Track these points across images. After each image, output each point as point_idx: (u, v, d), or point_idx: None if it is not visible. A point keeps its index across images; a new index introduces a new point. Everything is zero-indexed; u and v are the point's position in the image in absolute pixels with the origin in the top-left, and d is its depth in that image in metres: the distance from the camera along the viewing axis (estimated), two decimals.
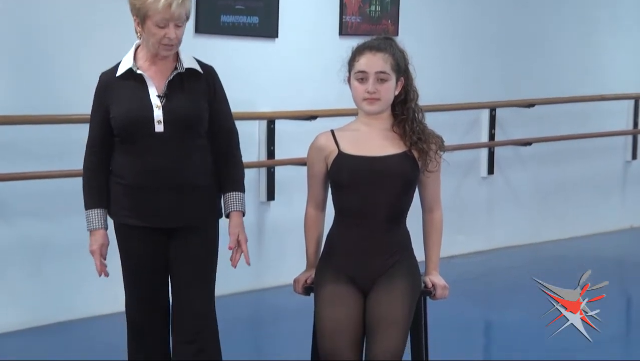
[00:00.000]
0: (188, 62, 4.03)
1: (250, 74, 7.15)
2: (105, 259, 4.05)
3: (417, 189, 3.97)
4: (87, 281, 6.40)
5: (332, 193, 3.95)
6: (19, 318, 6.38)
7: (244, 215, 4.12)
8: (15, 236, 6.34)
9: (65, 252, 6.43)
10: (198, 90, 4.01)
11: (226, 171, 4.08)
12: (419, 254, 3.97)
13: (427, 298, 4.05)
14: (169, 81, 3.99)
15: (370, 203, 3.83)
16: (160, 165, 3.93)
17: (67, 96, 6.35)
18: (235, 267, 4.11)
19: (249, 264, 4.11)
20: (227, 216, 4.10)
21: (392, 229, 3.88)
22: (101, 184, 4.02)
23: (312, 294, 3.95)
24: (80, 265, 6.36)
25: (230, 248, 4.08)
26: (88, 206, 4.03)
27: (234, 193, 4.08)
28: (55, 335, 6.35)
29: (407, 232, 3.95)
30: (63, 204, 6.36)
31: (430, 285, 4.00)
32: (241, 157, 4.16)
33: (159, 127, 3.92)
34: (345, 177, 3.85)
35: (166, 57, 3.98)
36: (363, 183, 3.83)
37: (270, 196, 7.52)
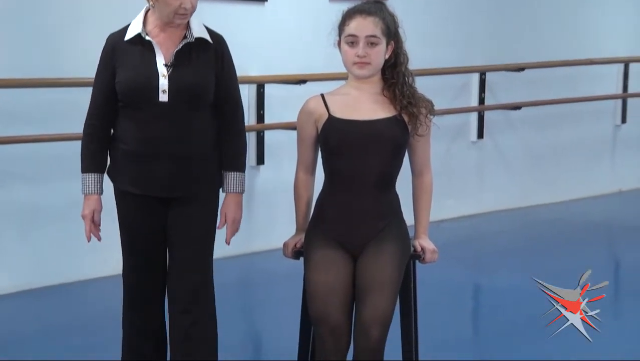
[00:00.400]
0: (198, 30, 3.98)
1: (240, 38, 7.12)
2: (99, 224, 4.04)
3: (406, 154, 3.98)
4: (78, 244, 6.40)
5: (322, 157, 3.95)
6: (10, 281, 6.39)
7: (242, 194, 4.12)
8: (7, 199, 6.34)
9: (57, 216, 6.44)
10: (206, 61, 3.98)
11: (228, 148, 4.05)
12: (409, 218, 3.98)
13: (417, 261, 4.06)
14: (177, 51, 3.95)
15: (360, 167, 3.84)
16: (162, 134, 3.91)
17: (63, 60, 6.34)
18: (228, 244, 4.10)
19: (228, 244, 4.11)
20: (224, 192, 4.09)
21: (382, 194, 3.89)
22: (100, 148, 4.00)
23: (301, 259, 3.96)
24: (71, 229, 6.37)
25: (218, 228, 4.08)
26: (84, 169, 4.01)
27: (234, 173, 4.06)
28: (47, 298, 6.37)
29: (397, 196, 3.96)
30: (55, 167, 6.36)
31: (419, 249, 4.01)
32: (244, 131, 4.14)
33: (164, 97, 3.89)
34: (335, 141, 3.86)
35: (179, 25, 3.95)
36: (353, 146, 3.83)
37: (260, 160, 7.52)
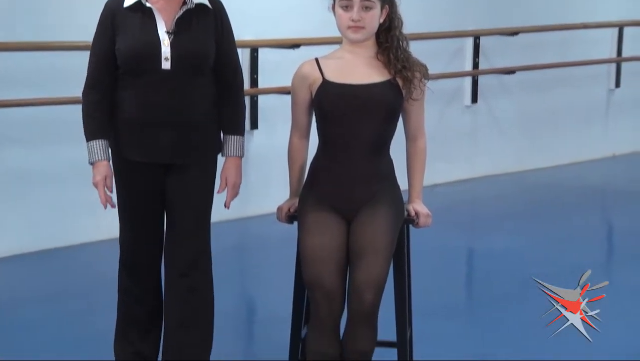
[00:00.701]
0: None
1: (234, 2, 7.08)
2: (111, 190, 4.02)
3: (401, 118, 3.97)
4: (72, 208, 6.43)
5: (316, 122, 3.94)
6: (4, 245, 6.40)
7: (242, 158, 4.11)
8: (1, 163, 6.33)
9: (51, 179, 6.43)
10: (206, 27, 3.95)
11: (228, 112, 4.04)
12: (403, 183, 3.98)
13: (410, 226, 4.07)
14: (178, 17, 3.92)
15: (354, 131, 3.83)
16: (163, 101, 3.89)
17: (53, 23, 6.30)
18: (228, 208, 4.10)
19: (226, 207, 4.11)
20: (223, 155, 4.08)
21: (376, 158, 3.88)
22: (102, 115, 3.95)
23: (295, 223, 3.97)
24: (65, 193, 6.38)
25: (218, 192, 4.07)
26: (90, 137, 3.96)
27: (234, 136, 4.06)
28: (41, 262, 6.38)
29: (391, 161, 3.96)
30: (49, 131, 6.34)
31: (413, 213, 4.01)
32: (244, 97, 4.12)
33: (166, 64, 3.87)
34: (329, 105, 3.85)
35: None
36: (347, 110, 3.82)
37: (254, 124, 7.51)
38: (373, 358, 3.82)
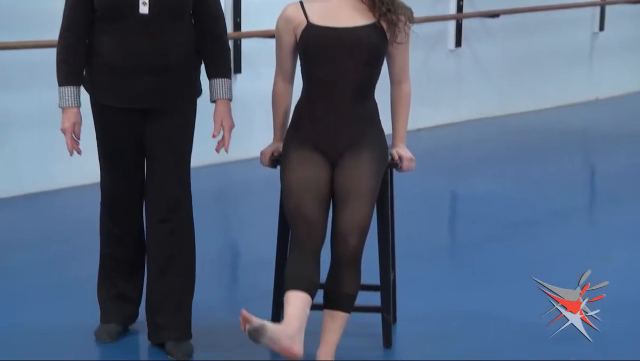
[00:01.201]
0: None
1: None
2: (79, 138, 4.00)
3: (385, 63, 3.95)
4: (53, 153, 6.38)
5: (300, 65, 3.93)
6: None
7: (230, 101, 4.09)
8: None
9: (32, 124, 6.39)
10: None
11: (213, 57, 4.01)
12: (387, 128, 3.98)
13: (394, 170, 4.07)
14: None
15: (338, 74, 3.82)
16: (140, 46, 3.85)
17: None
18: (227, 151, 4.07)
19: (226, 151, 4.08)
20: (212, 101, 4.06)
21: (360, 102, 3.87)
22: (76, 61, 3.92)
23: (279, 167, 3.96)
24: (46, 137, 6.34)
25: (214, 136, 4.05)
26: (62, 82, 3.94)
27: (220, 79, 4.03)
28: (21, 207, 6.36)
29: (376, 105, 3.95)
30: (29, 75, 6.29)
31: (396, 158, 4.01)
32: (228, 41, 4.09)
33: (144, 9, 3.83)
34: (313, 48, 3.83)
35: None
36: (331, 53, 3.81)
37: (237, 69, 7.47)
38: (356, 302, 3.83)
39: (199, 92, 4.06)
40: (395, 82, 4.01)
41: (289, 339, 3.53)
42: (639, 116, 10.14)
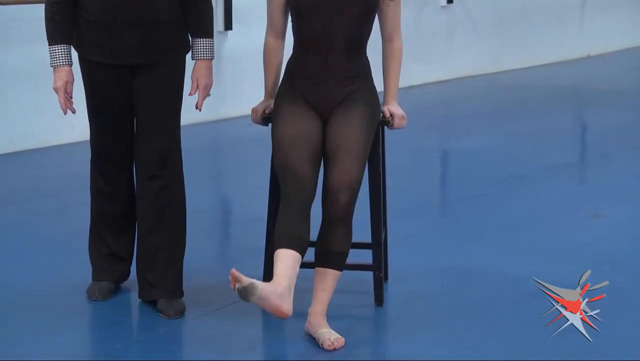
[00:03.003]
0: None
1: None
2: (71, 97, 3.98)
3: (377, 18, 3.93)
4: (48, 110, 6.37)
5: (292, 21, 3.90)
6: None
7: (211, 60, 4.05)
8: None
9: (24, 80, 6.36)
10: None
11: (194, 14, 3.97)
12: (379, 86, 3.96)
13: (385, 127, 4.06)
14: None
15: (330, 29, 3.79)
16: (128, 1, 3.82)
17: None
18: (200, 110, 4.05)
19: (199, 110, 4.06)
20: (193, 58, 4.03)
21: (352, 57, 3.85)
22: (66, 19, 3.89)
23: (270, 125, 3.94)
24: (38, 94, 6.32)
25: (190, 95, 4.03)
26: (52, 41, 3.91)
27: (202, 40, 3.99)
28: (13, 163, 6.35)
29: (367, 61, 3.93)
30: (26, 31, 6.25)
31: (388, 115, 4.00)
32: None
33: None
34: (305, 2, 3.80)
35: None
36: (323, 8, 3.78)
37: (228, 26, 7.43)
38: (348, 260, 3.84)
39: (187, 47, 4.04)
40: (386, 39, 3.99)
41: (278, 298, 3.53)
42: (630, 73, 10.14)
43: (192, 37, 4.00)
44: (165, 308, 4.01)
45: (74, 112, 3.98)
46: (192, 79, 4.01)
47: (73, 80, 3.94)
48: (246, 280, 3.49)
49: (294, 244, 3.65)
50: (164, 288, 4.04)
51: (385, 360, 3.78)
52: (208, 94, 4.05)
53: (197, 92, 4.02)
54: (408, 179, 5.99)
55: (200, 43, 3.99)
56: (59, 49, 3.90)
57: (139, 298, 4.11)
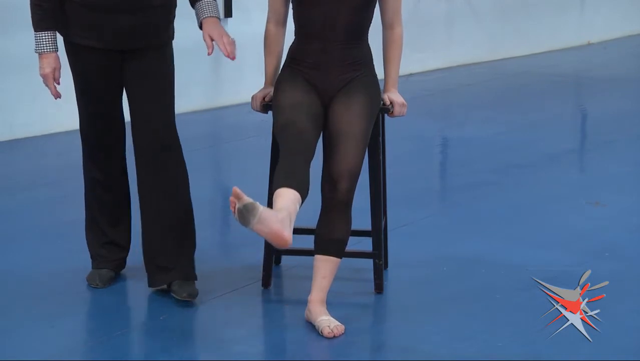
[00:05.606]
0: None
1: None
2: (59, 83, 3.96)
3: (378, 6, 3.93)
4: (45, 98, 6.35)
5: (292, 9, 3.90)
6: None
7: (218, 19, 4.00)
8: None
9: (21, 68, 6.35)
10: None
11: None
12: (379, 73, 3.96)
13: (385, 115, 4.06)
14: None
15: (331, 15, 3.79)
16: None
17: None
18: (234, 59, 3.97)
19: (233, 59, 3.99)
20: (201, 27, 3.97)
21: (353, 45, 3.85)
22: (53, 5, 3.89)
23: (270, 113, 3.94)
24: (36, 82, 6.30)
25: (208, 54, 3.96)
26: (39, 28, 3.89)
27: (204, 1, 3.95)
28: (11, 151, 6.35)
29: (369, 48, 3.92)
30: (19, 19, 6.23)
31: (388, 102, 4.00)
32: None
33: None
34: None
35: None
36: None
37: (228, 12, 7.41)
38: (348, 247, 3.84)
39: (172, 32, 4.02)
40: (387, 27, 3.98)
41: (279, 222, 3.40)
42: (630, 60, 10.13)
43: (194, 3, 3.95)
44: (179, 289, 3.97)
45: (59, 97, 3.96)
46: (204, 39, 3.92)
47: (60, 66, 3.92)
48: (247, 199, 3.39)
49: (293, 184, 3.55)
50: (179, 270, 4.00)
51: (385, 347, 3.78)
52: (232, 40, 3.94)
53: (218, 46, 3.91)
54: (408, 166, 5.99)
55: (205, 3, 3.94)
56: (46, 35, 3.88)
57: (149, 286, 4.07)
